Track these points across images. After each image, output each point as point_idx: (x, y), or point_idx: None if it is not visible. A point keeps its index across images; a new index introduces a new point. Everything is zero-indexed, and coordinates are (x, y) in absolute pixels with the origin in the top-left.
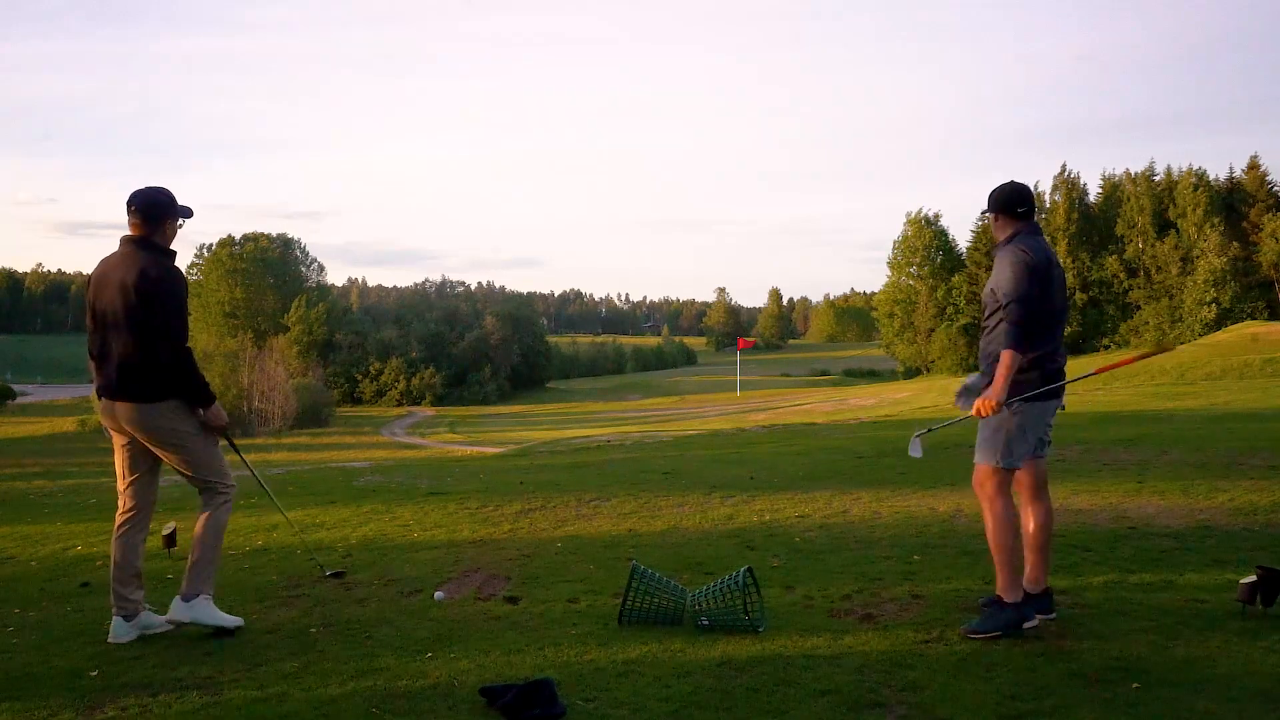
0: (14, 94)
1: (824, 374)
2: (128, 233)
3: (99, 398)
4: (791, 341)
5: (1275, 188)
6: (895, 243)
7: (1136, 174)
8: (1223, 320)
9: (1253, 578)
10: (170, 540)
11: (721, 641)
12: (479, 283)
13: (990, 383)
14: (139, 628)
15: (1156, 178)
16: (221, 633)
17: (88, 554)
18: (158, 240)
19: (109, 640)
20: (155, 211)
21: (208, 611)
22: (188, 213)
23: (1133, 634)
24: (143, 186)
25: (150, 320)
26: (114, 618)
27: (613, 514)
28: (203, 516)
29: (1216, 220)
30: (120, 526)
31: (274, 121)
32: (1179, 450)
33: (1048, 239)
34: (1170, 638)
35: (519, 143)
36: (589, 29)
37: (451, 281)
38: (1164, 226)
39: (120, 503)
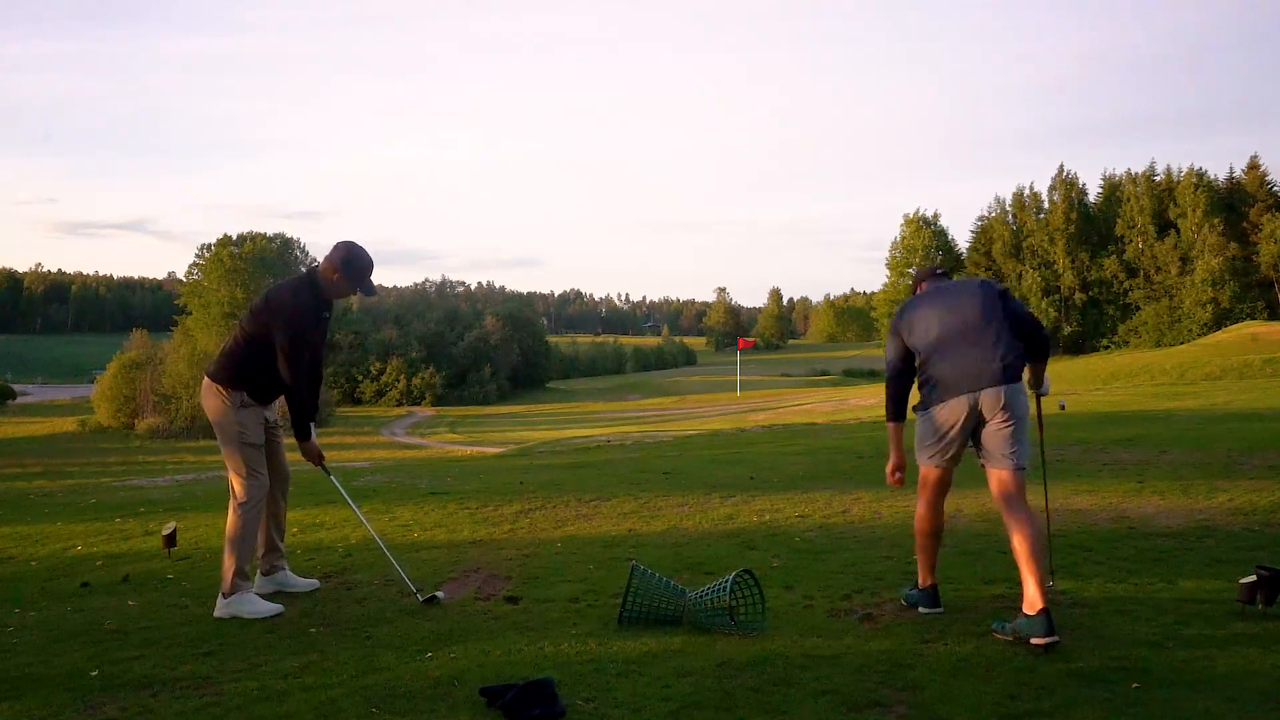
0: (14, 94)
1: (824, 374)
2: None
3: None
4: (791, 341)
5: (1275, 188)
6: (893, 243)
7: (1137, 174)
8: (1222, 320)
9: (1253, 578)
10: (170, 540)
11: (721, 641)
12: (479, 283)
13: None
14: (274, 584)
15: (1157, 178)
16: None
17: (88, 554)
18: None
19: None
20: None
21: (243, 606)
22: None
23: (1133, 634)
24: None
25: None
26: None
27: (613, 514)
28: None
29: (1216, 221)
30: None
31: (274, 122)
32: (1179, 450)
33: (1044, 238)
34: (1170, 638)
35: (519, 143)
36: (589, 30)
37: (451, 281)
38: (1164, 226)
39: None
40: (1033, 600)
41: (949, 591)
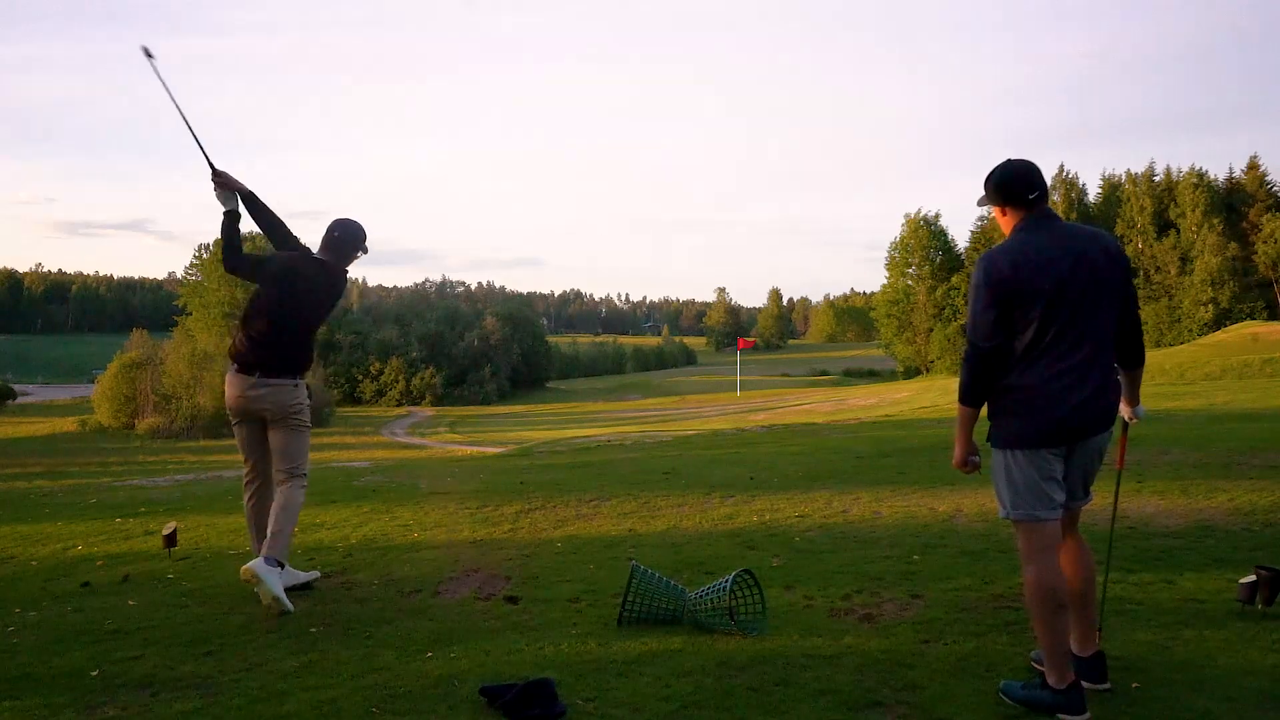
0: (13, 94)
1: (824, 374)
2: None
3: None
4: (791, 341)
5: (1275, 188)
6: (892, 244)
7: (1137, 174)
8: (1221, 320)
9: (1252, 578)
10: (170, 540)
11: (721, 641)
12: (479, 283)
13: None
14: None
15: (1156, 178)
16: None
17: (88, 554)
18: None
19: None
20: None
21: (279, 578)
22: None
23: (1133, 634)
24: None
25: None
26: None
27: (613, 514)
28: (282, 491)
29: (1216, 221)
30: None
31: (274, 121)
32: (1179, 450)
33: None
34: (1170, 638)
35: (519, 143)
36: (590, 30)
37: (451, 281)
38: (1164, 226)
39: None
40: (1081, 639)
41: (949, 592)
